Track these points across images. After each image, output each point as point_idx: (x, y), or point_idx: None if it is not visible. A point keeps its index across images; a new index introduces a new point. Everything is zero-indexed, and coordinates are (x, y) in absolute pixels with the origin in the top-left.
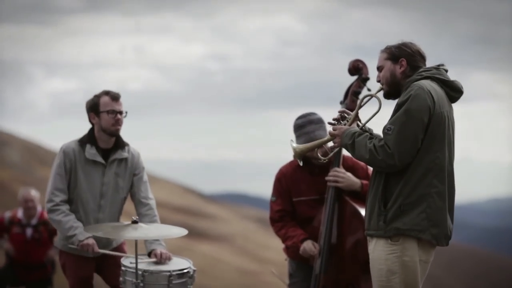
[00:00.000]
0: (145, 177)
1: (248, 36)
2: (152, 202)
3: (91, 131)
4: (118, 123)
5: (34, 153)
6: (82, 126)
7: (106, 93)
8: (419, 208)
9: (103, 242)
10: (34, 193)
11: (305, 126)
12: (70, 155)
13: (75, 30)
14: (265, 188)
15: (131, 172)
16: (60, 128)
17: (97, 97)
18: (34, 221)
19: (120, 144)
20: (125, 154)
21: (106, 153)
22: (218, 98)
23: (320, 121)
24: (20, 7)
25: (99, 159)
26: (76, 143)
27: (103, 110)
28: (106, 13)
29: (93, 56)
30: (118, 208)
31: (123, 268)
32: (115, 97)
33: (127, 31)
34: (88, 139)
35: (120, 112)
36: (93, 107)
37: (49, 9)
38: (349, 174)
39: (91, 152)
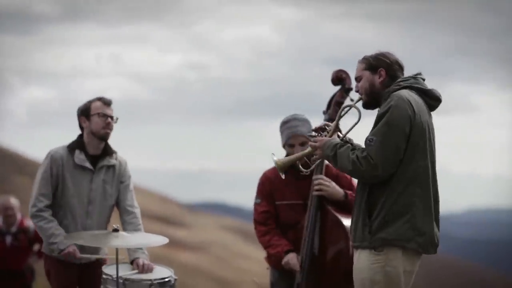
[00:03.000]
0: (131, 186)
1: (225, 46)
2: (137, 211)
3: (80, 137)
4: (108, 126)
5: (12, 161)
6: (60, 135)
7: (99, 98)
8: (403, 218)
9: (90, 252)
10: (13, 201)
11: (289, 121)
12: (57, 161)
13: (53, 39)
14: (243, 198)
15: (119, 179)
16: (38, 137)
17: (89, 102)
18: (13, 229)
19: (108, 151)
20: (113, 161)
21: (94, 160)
22: (196, 108)
23: (305, 120)
24: None
25: (88, 165)
26: (65, 148)
27: (94, 113)
28: (83, 23)
29: (71, 65)
30: (106, 215)
31: (104, 276)
32: (107, 102)
33: (105, 40)
34: (77, 145)
35: (111, 117)
36: (84, 111)
37: (26, 17)
38: (333, 184)
39: (80, 157)
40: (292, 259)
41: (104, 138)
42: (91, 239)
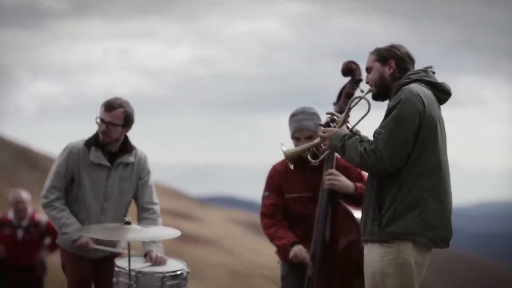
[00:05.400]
0: (151, 182)
1: (234, 40)
2: (156, 207)
3: (97, 133)
4: (104, 133)
5: (22, 155)
6: (69, 129)
7: (103, 103)
8: (413, 212)
9: (105, 245)
10: (25, 195)
11: (297, 114)
12: (74, 155)
13: (61, 34)
14: (252, 191)
15: (137, 175)
16: (48, 131)
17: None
18: (25, 223)
19: (127, 148)
20: (131, 159)
21: (112, 156)
22: (205, 102)
23: (313, 114)
24: (5, 11)
25: (105, 162)
26: (82, 144)
27: (98, 117)
28: (92, 17)
29: (79, 59)
30: (122, 211)
31: (116, 268)
32: (106, 106)
33: (113, 35)
34: (94, 141)
35: (110, 123)
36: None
37: (35, 13)
38: (343, 177)
39: (95, 155)
40: (300, 251)
41: (102, 143)
42: (103, 232)
